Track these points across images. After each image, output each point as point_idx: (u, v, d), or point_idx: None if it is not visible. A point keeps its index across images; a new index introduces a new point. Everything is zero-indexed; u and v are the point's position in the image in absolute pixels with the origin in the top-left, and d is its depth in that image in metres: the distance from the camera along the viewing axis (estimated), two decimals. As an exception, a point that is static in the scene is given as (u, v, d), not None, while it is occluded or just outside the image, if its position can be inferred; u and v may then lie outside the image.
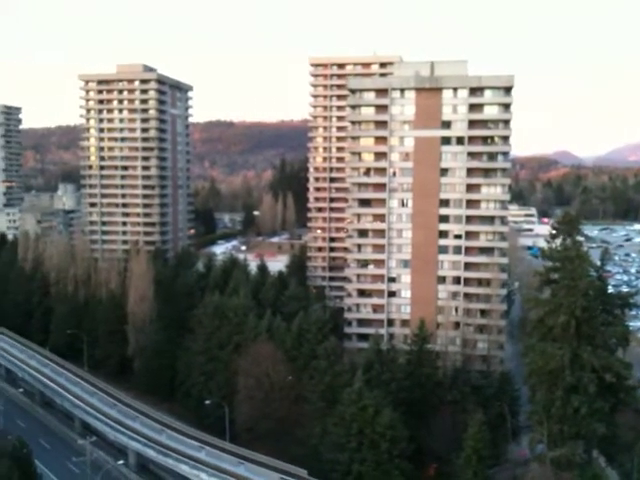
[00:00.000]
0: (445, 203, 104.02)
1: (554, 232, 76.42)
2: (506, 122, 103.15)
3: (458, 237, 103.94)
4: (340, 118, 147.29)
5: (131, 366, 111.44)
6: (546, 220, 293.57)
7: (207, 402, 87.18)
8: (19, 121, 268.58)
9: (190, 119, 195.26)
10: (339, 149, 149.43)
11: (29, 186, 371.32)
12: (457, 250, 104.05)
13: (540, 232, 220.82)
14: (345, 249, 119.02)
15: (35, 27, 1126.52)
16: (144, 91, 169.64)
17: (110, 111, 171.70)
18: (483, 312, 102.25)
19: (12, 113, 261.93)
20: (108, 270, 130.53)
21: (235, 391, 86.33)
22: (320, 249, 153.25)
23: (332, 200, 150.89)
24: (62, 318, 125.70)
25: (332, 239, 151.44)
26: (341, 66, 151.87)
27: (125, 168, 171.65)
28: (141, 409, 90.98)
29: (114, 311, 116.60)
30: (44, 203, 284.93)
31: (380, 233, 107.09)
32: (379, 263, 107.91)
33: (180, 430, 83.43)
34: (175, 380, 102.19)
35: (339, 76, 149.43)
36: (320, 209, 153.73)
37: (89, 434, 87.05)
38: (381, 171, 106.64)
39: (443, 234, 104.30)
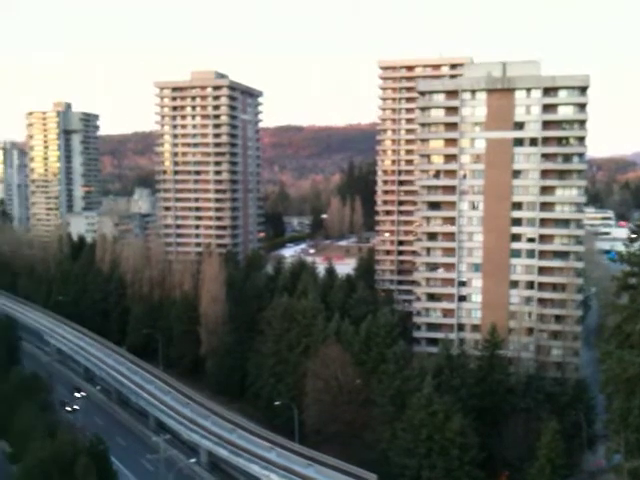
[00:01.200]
0: (518, 206, 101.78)
1: (632, 235, 73.50)
2: (582, 122, 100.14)
3: (531, 240, 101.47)
4: (409, 121, 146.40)
5: (203, 366, 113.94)
6: (624, 223, 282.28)
7: (276, 403, 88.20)
8: (97, 128, 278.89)
9: (260, 124, 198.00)
10: (408, 152, 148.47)
11: (107, 191, 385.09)
12: (530, 254, 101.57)
13: (618, 235, 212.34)
14: (414, 252, 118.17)
15: (113, 35, 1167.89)
16: (216, 97, 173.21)
17: (184, 117, 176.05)
18: (558, 318, 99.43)
19: (90, 120, 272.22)
20: (182, 272, 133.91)
21: (304, 393, 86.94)
22: (388, 252, 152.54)
23: (401, 203, 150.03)
24: (138, 318, 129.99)
25: (400, 242, 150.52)
26: (410, 68, 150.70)
27: (198, 173, 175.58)
28: (213, 408, 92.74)
29: (187, 312, 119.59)
30: (121, 207, 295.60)
31: (450, 236, 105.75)
32: (449, 267, 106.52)
33: (251, 430, 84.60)
34: (245, 381, 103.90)
35: (408, 78, 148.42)
36: (388, 212, 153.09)
37: (163, 432, 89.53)
38: (451, 173, 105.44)
39: (516, 237, 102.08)
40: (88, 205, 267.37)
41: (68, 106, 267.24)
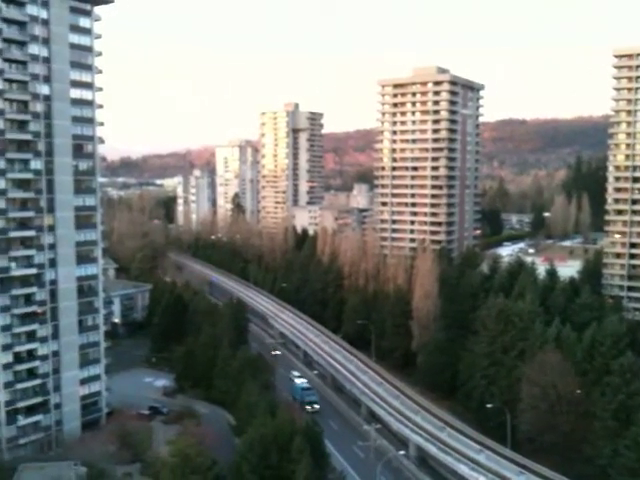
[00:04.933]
0: None
1: None
2: None
3: None
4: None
5: (414, 360, 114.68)
6: None
7: (489, 406, 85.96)
8: (321, 126, 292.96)
9: (480, 118, 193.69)
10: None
11: (328, 186, 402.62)
12: None
13: None
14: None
15: (341, 32, 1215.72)
16: (436, 93, 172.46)
17: (403, 114, 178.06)
18: None
19: (316, 119, 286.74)
20: (396, 266, 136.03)
21: (518, 398, 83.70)
22: (618, 255, 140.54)
23: (634, 202, 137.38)
24: (353, 309, 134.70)
25: (633, 245, 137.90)
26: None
27: (415, 169, 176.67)
28: (423, 404, 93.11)
29: (400, 306, 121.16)
30: (341, 201, 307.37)
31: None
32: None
33: (460, 430, 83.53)
34: (456, 379, 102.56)
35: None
36: (620, 212, 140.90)
37: (374, 421, 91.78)
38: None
39: None
40: (311, 199, 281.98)
41: (296, 106, 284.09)
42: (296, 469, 66.47)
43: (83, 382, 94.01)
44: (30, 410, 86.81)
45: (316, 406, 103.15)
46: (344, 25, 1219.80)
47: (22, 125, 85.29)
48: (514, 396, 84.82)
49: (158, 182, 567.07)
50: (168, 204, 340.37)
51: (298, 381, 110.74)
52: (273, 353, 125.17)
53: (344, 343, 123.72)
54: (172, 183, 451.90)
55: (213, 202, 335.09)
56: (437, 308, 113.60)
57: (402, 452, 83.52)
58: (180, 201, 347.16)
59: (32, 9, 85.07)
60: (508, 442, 79.99)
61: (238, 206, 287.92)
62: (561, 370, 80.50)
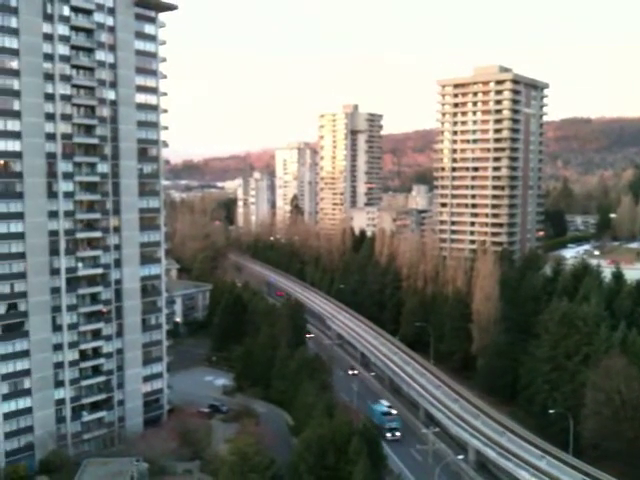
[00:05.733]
0: None
1: None
2: None
3: None
4: None
5: (474, 364, 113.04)
6: None
7: (551, 411, 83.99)
8: (380, 127, 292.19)
9: (544, 117, 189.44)
10: None
11: (387, 187, 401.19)
12: None
13: None
14: None
15: (396, 36, 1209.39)
16: (498, 92, 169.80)
17: (464, 114, 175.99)
18: None
19: (375, 120, 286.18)
20: (455, 268, 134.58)
21: (581, 404, 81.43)
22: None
23: None
24: (411, 311, 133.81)
25: None
26: None
27: (476, 169, 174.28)
28: (482, 408, 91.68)
29: (459, 308, 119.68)
30: (399, 203, 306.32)
31: None
32: None
33: (521, 435, 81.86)
34: (517, 384, 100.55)
35: None
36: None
37: (432, 425, 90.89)
38: None
39: None
40: (369, 201, 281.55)
41: (355, 107, 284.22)
42: (353, 470, 66.49)
43: (146, 380, 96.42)
44: (94, 406, 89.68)
45: (397, 434, 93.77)
46: (404, 25, 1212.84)
47: (89, 129, 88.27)
48: (577, 402, 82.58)
49: (219, 184, 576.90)
50: (228, 206, 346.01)
51: (379, 405, 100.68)
52: (350, 372, 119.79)
53: (402, 345, 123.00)
54: (232, 185, 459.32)
55: (272, 204, 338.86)
56: (497, 311, 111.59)
57: (461, 456, 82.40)
58: (240, 203, 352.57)
59: (99, 17, 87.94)
60: (570, 449, 78.02)
61: (296, 208, 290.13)
62: (626, 375, 77.95)
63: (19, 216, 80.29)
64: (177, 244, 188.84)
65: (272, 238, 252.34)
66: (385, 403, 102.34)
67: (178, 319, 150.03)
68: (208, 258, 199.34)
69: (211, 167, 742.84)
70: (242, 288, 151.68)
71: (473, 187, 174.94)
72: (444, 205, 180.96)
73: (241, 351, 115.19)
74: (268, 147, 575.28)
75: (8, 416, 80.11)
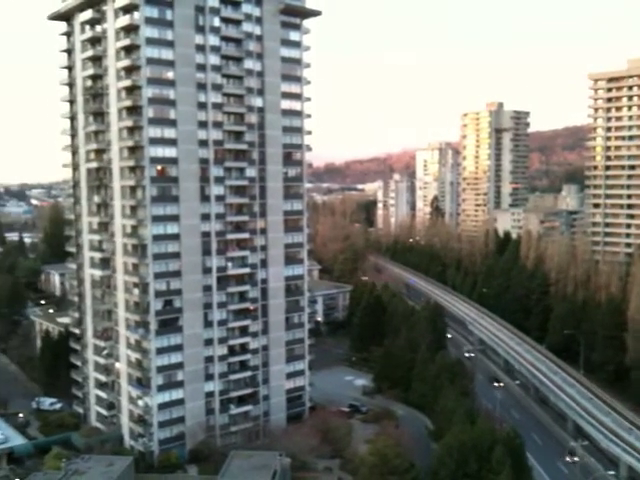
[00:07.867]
0: None
1: None
2: None
3: None
4: None
5: (628, 375, 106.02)
6: None
7: None
8: (527, 125, 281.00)
9: None
10: None
11: (534, 187, 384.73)
12: None
13: None
14: None
15: (543, 29, 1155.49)
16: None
17: (618, 109, 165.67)
18: None
19: (520, 118, 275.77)
20: (609, 273, 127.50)
21: None
22: None
23: None
24: (560, 318, 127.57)
25: None
26: None
27: (632, 167, 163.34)
28: (638, 422, 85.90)
29: (613, 316, 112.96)
30: (547, 203, 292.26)
31: None
32: None
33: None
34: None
35: None
36: None
37: (581, 437, 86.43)
38: None
39: None
40: (514, 202, 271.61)
41: (500, 105, 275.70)
42: (496, 480, 64.74)
43: (289, 376, 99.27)
44: (241, 400, 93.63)
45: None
46: (546, 19, 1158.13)
47: (239, 136, 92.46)
48: None
49: (359, 187, 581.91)
50: (368, 208, 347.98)
51: None
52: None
53: (549, 353, 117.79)
54: (372, 187, 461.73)
55: (412, 205, 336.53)
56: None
57: (611, 472, 77.79)
58: (380, 205, 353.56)
59: (247, 26, 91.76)
60: None
61: (437, 209, 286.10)
62: None
63: (175, 218, 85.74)
64: (319, 245, 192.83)
65: (411, 240, 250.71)
66: None
67: (319, 318, 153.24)
68: (348, 259, 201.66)
69: (352, 170, 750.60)
70: (381, 289, 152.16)
71: (629, 187, 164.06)
72: (597, 206, 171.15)
73: (381, 352, 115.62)
74: (408, 148, 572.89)
75: (162, 406, 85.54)
